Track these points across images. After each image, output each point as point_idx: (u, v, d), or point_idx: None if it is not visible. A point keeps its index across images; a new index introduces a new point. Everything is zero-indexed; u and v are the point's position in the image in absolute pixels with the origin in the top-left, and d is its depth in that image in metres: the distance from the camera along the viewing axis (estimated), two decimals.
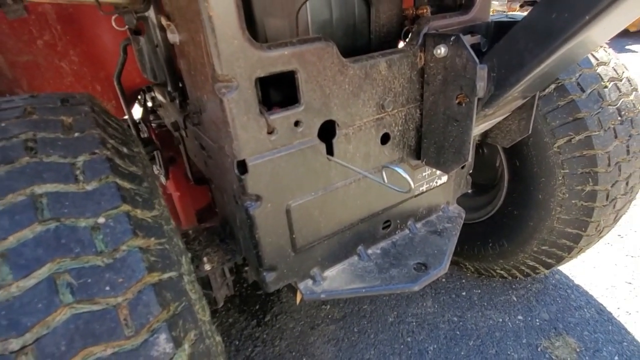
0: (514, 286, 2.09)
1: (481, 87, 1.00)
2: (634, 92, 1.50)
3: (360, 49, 1.26)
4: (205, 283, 1.24)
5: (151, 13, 1.19)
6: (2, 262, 0.56)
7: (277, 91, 1.09)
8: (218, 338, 0.83)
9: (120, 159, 0.80)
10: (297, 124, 0.99)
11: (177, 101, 1.30)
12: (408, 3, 1.38)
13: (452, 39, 1.02)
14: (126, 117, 1.76)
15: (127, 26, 1.32)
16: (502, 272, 1.93)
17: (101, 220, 0.65)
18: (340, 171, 1.13)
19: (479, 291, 2.08)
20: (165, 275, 0.69)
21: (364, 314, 1.99)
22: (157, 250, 0.72)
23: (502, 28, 1.15)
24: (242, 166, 0.95)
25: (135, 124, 1.77)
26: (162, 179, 2.03)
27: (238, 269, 1.36)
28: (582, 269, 2.18)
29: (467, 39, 1.14)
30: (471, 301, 2.02)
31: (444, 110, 1.14)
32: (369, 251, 1.32)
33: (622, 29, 0.92)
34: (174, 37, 1.00)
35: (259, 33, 1.06)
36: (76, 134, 0.77)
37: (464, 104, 1.07)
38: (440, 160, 1.22)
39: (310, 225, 1.13)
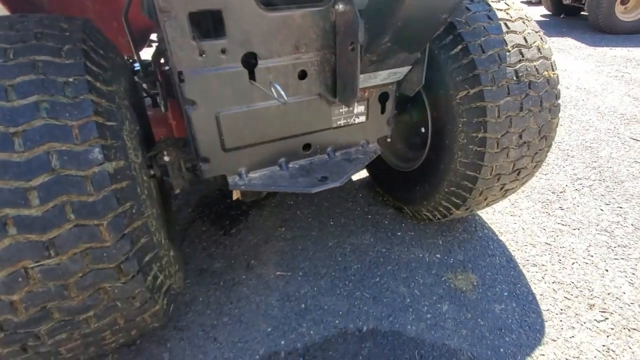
0: (444, 234, 2.39)
1: (360, 36, 1.33)
2: (540, 60, 1.73)
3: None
4: (164, 172, 1.69)
5: None
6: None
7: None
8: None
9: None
10: (223, 51, 1.37)
11: None
12: None
13: None
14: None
15: None
16: (427, 213, 2.24)
17: None
18: (262, 94, 1.51)
19: (413, 233, 2.41)
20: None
21: (310, 238, 2.39)
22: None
23: None
24: (181, 76, 1.36)
25: (140, 58, 2.22)
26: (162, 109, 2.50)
27: (195, 168, 1.79)
28: (513, 228, 2.43)
29: None
30: (403, 239, 2.36)
31: (343, 54, 1.47)
32: (290, 165, 1.71)
33: None
34: None
35: None
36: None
37: (354, 50, 1.41)
38: (343, 96, 1.57)
39: (236, 132, 1.53)
